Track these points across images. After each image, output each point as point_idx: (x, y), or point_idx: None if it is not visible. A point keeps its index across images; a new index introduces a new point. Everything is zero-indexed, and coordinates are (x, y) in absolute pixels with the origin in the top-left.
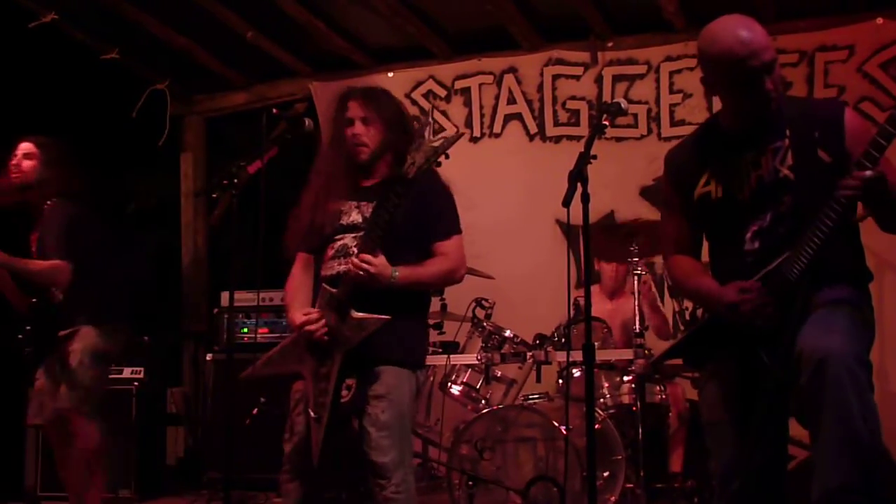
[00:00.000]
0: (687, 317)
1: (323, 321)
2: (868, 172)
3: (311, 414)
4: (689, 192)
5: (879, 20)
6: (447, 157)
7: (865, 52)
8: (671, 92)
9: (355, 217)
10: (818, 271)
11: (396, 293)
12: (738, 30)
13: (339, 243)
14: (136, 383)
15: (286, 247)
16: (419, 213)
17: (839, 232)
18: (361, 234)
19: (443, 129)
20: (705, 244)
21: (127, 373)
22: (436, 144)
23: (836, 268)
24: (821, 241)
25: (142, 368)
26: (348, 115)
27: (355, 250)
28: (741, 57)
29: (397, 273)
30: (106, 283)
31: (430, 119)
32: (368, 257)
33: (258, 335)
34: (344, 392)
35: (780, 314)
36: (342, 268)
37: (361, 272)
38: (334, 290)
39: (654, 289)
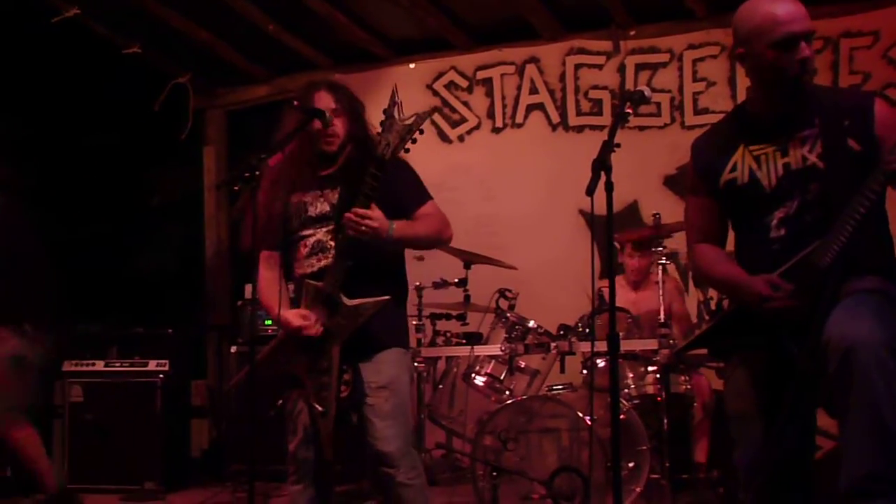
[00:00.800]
0: (712, 306)
1: (319, 322)
2: None
3: (318, 408)
4: (716, 178)
5: None
6: (422, 132)
7: (891, 39)
8: (694, 80)
9: (322, 206)
10: (848, 261)
11: (383, 279)
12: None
13: (313, 239)
14: (160, 376)
15: (245, 245)
16: (389, 193)
17: (870, 221)
18: (333, 227)
19: (464, 119)
20: (731, 235)
21: (152, 365)
22: (408, 122)
23: (867, 258)
24: (853, 229)
25: (167, 361)
26: (316, 107)
27: (332, 244)
28: (783, 20)
29: (395, 225)
30: (30, 285)
31: (397, 99)
32: (366, 211)
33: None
34: (342, 387)
35: (810, 305)
36: (323, 263)
37: (363, 227)
38: (320, 284)
39: (679, 282)
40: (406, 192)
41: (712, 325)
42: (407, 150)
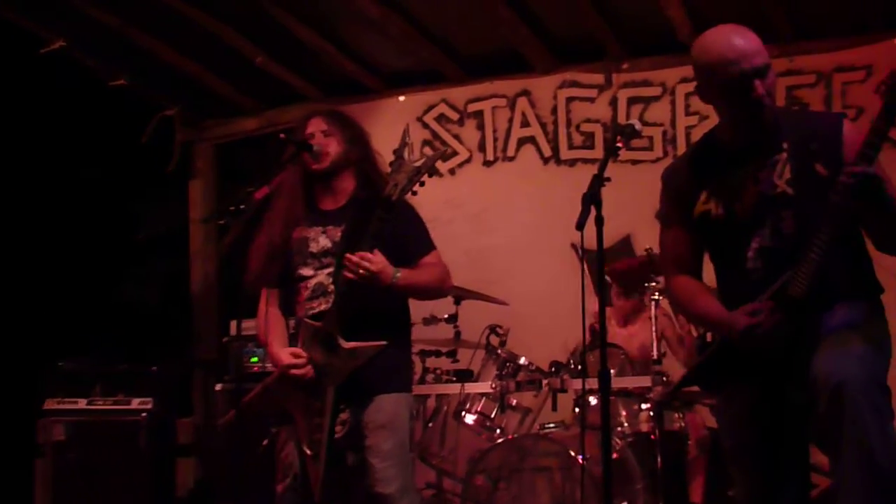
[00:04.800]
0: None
1: (309, 365)
2: (861, 167)
3: (307, 451)
4: (689, 209)
5: None
6: (431, 174)
7: (884, 73)
8: (687, 114)
9: (324, 243)
10: (826, 288)
11: (385, 321)
12: (730, 35)
13: (314, 282)
14: (144, 413)
15: (247, 283)
16: (395, 237)
17: (843, 244)
18: (333, 268)
19: (455, 153)
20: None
21: (135, 403)
22: (418, 164)
23: (845, 283)
24: (821, 255)
25: (150, 398)
26: (308, 131)
27: (332, 288)
28: (731, 60)
29: (399, 274)
30: None
31: (407, 138)
32: (367, 255)
33: (268, 365)
34: (338, 427)
35: (793, 335)
36: (324, 307)
37: (362, 271)
38: (318, 324)
39: (674, 321)
40: (412, 239)
41: (701, 362)
42: (415, 193)
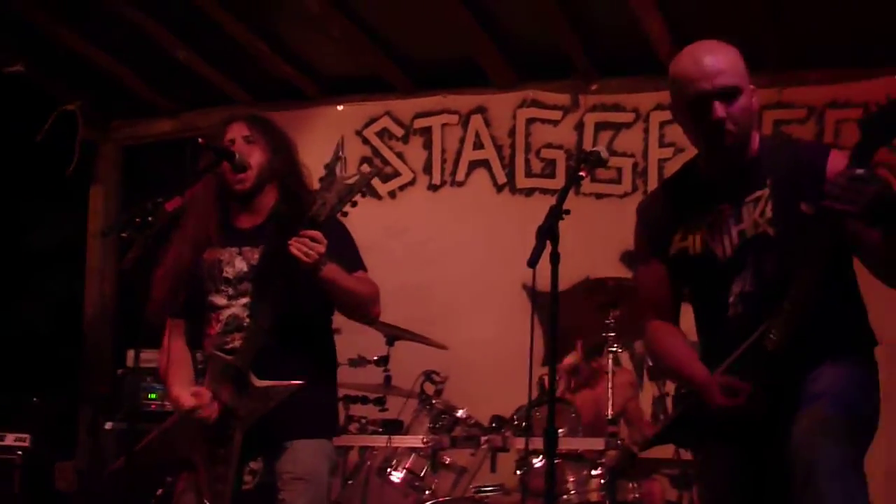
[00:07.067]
0: (667, 403)
1: (216, 404)
2: (859, 171)
3: None
4: (666, 247)
5: None
6: (364, 194)
7: None
8: (661, 145)
9: (240, 266)
10: (812, 342)
11: (307, 357)
12: (699, 52)
13: (227, 313)
14: (19, 452)
15: (149, 312)
16: None
17: (830, 289)
18: (250, 298)
19: (397, 173)
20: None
21: (10, 440)
22: (350, 181)
23: (833, 336)
24: (801, 303)
25: (27, 435)
26: (228, 137)
27: (248, 321)
28: (691, 79)
29: (329, 263)
30: None
31: (341, 153)
32: (314, 233)
33: (167, 403)
34: (247, 477)
35: (772, 399)
36: (238, 343)
37: (314, 253)
38: (229, 358)
39: (633, 376)
40: (341, 254)
41: (675, 418)
42: (345, 214)
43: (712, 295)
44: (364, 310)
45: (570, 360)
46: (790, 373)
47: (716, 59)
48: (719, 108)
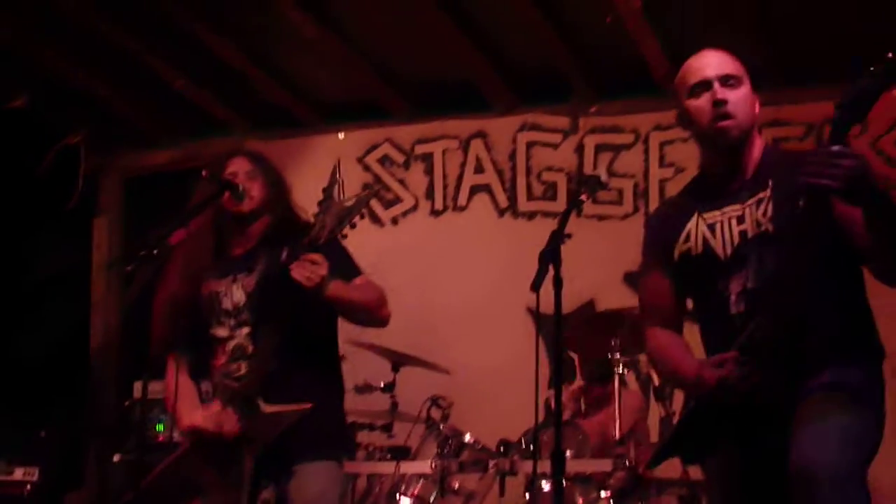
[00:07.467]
0: (673, 423)
1: (233, 416)
2: (835, 147)
3: None
4: (671, 252)
5: None
6: (363, 216)
7: (881, 128)
8: (661, 165)
9: (238, 297)
10: (815, 347)
11: (313, 380)
12: (703, 51)
13: (232, 344)
14: (28, 486)
15: (152, 349)
16: None
17: (831, 294)
18: (251, 327)
19: (399, 199)
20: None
21: (19, 474)
22: (349, 204)
23: (838, 343)
24: (790, 294)
25: (36, 468)
26: (230, 171)
27: (252, 349)
28: (695, 68)
29: (331, 284)
30: None
31: (338, 177)
32: (315, 256)
33: (175, 434)
34: None
35: (768, 384)
36: (245, 371)
37: (316, 277)
38: (237, 385)
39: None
40: (338, 265)
41: (677, 429)
42: (344, 236)
43: (715, 295)
44: (373, 315)
45: (575, 385)
46: (789, 372)
47: (718, 53)
48: (721, 91)
